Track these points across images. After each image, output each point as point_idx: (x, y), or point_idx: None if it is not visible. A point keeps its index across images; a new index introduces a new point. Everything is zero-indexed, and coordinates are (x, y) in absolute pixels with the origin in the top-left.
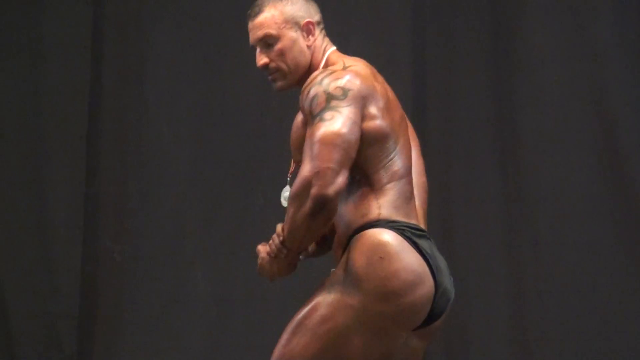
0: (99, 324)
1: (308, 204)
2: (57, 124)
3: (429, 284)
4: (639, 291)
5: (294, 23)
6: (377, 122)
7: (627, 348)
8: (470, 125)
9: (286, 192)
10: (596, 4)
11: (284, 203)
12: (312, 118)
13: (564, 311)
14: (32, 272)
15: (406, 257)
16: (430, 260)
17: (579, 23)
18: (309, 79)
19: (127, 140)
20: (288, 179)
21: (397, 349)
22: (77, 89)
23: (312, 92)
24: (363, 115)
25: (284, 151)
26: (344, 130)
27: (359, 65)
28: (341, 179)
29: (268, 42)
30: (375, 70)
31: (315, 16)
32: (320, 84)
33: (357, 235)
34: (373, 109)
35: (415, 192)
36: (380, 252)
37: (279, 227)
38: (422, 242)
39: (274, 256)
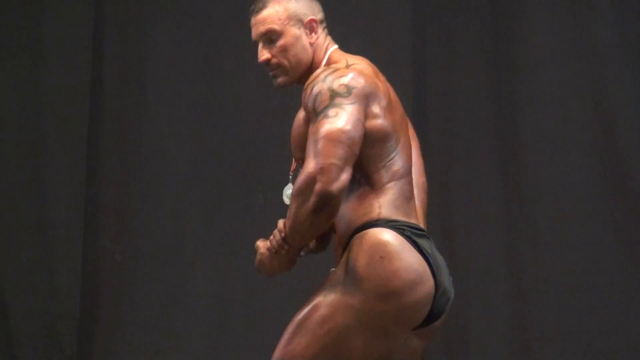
0: (99, 324)
1: (312, 200)
2: (57, 124)
3: (429, 283)
4: (639, 291)
5: (297, 20)
6: (379, 122)
7: (627, 348)
8: (470, 125)
9: (288, 190)
10: (596, 4)
11: (287, 201)
12: (315, 115)
13: (564, 311)
14: (32, 272)
15: (407, 257)
16: (430, 259)
17: (579, 23)
18: (312, 77)
19: (127, 140)
20: (290, 176)
21: (397, 348)
22: (78, 89)
23: (316, 89)
24: (366, 114)
25: (284, 151)
26: (348, 127)
27: (361, 63)
28: (345, 176)
29: (271, 37)
30: (377, 69)
31: (319, 14)
32: (324, 81)
33: (358, 235)
34: (376, 108)
35: (415, 192)
36: (381, 251)
37: (280, 222)
38: (422, 242)
39: (274, 252)
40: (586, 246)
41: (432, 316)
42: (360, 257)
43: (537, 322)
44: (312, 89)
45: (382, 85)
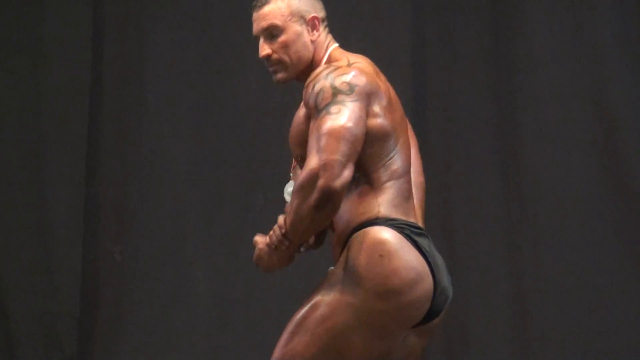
0: (100, 324)
1: (314, 196)
2: (57, 124)
3: (428, 281)
4: (639, 291)
5: (299, 17)
6: (379, 121)
7: (627, 348)
8: (470, 125)
9: (289, 188)
10: (596, 4)
11: (288, 198)
12: (317, 112)
13: (564, 311)
14: (32, 273)
15: (406, 255)
16: (429, 258)
17: (579, 23)
18: (314, 74)
19: (127, 140)
20: (291, 174)
21: (396, 346)
22: (78, 89)
23: (318, 86)
24: (367, 113)
25: (284, 151)
26: (351, 124)
27: (363, 62)
28: (347, 172)
29: (273, 33)
30: (377, 68)
31: (321, 12)
32: (326, 78)
33: (357, 234)
34: (376, 107)
35: (413, 191)
36: (380, 250)
37: (280, 218)
38: (421, 240)
39: (274, 247)
40: (586, 246)
41: (431, 314)
42: (359, 255)
43: (537, 322)
44: (314, 86)
45: (383, 84)
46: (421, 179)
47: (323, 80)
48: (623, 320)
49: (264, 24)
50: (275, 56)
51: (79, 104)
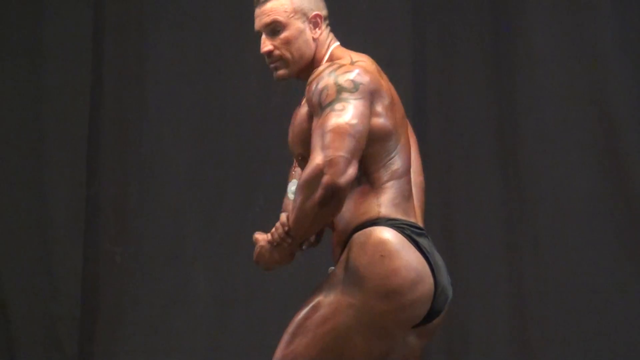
0: (100, 324)
1: (318, 193)
2: (57, 124)
3: (429, 282)
4: (639, 291)
5: (302, 14)
6: (381, 120)
7: (627, 348)
8: (470, 125)
9: (293, 186)
10: (596, 4)
11: (292, 197)
12: (321, 109)
13: (564, 311)
14: (32, 273)
15: (407, 255)
16: (430, 258)
17: (579, 23)
18: (317, 72)
19: (127, 140)
20: (293, 172)
21: (397, 346)
22: (78, 90)
23: (322, 84)
24: (370, 111)
25: (284, 152)
26: (355, 120)
27: (366, 61)
28: (352, 169)
29: (275, 29)
30: (379, 68)
31: (323, 10)
32: (330, 76)
33: (358, 234)
34: (379, 107)
35: (413, 191)
36: (381, 250)
37: (283, 215)
38: (422, 240)
39: (276, 245)
40: (586, 246)
41: (431, 314)
42: (360, 256)
43: (537, 322)
44: (317, 83)
45: (385, 84)
46: (421, 178)
47: (327, 77)
48: (623, 320)
49: (267, 19)
50: (276, 52)
51: (79, 104)
